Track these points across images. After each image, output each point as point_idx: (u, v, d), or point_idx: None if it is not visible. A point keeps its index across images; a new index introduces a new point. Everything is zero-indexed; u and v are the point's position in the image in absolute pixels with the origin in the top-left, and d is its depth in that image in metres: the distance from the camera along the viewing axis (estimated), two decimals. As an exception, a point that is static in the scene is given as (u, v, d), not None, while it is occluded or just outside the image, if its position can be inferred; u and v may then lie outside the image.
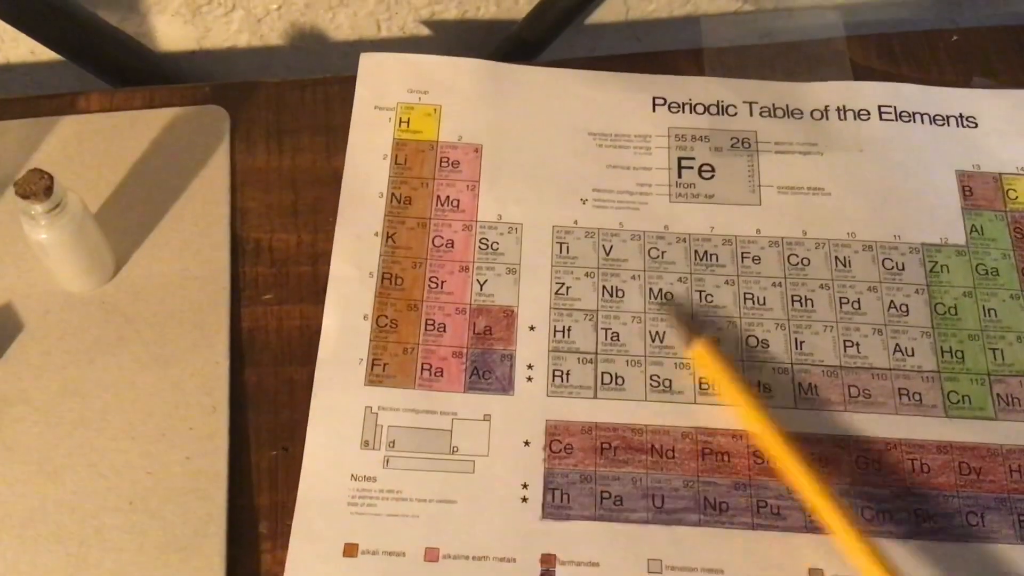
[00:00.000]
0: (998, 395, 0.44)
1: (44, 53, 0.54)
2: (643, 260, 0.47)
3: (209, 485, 0.41)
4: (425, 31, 0.56)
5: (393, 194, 0.48)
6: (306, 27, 0.55)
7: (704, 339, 0.43)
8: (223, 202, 0.47)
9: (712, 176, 0.49)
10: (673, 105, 0.50)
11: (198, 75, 0.57)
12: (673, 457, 0.42)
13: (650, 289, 0.46)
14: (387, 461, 0.42)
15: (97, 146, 0.48)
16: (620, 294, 0.46)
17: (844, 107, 0.50)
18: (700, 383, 0.44)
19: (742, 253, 0.47)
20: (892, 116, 0.50)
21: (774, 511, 0.41)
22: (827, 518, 0.40)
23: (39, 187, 0.39)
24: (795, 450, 0.41)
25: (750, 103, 0.50)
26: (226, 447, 0.42)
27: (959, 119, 0.50)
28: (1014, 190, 0.48)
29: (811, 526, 0.41)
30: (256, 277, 0.46)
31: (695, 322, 0.44)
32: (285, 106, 0.50)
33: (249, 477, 0.42)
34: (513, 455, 0.42)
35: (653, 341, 0.45)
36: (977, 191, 0.48)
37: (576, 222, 0.47)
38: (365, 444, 0.42)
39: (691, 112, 0.50)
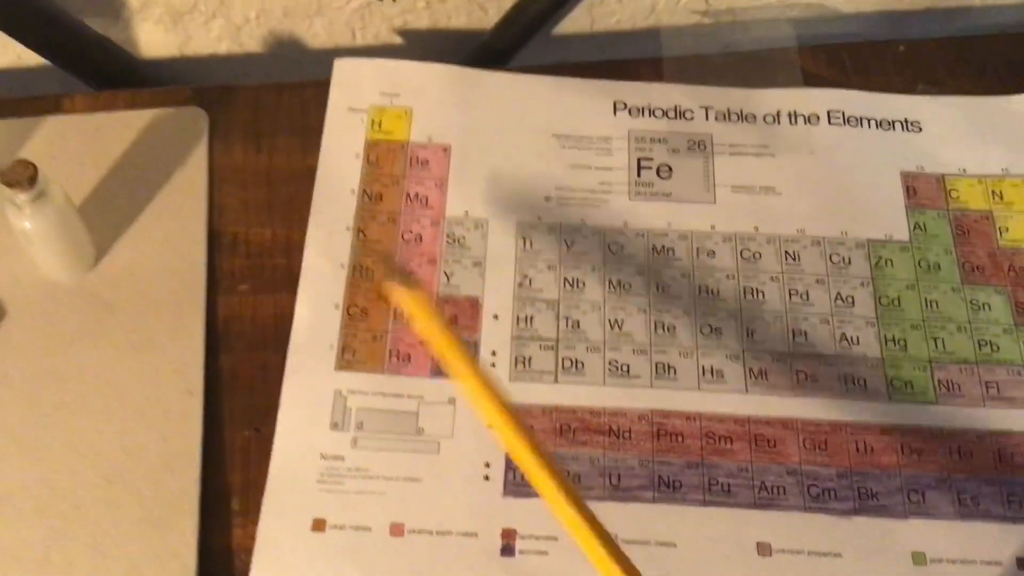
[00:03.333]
0: (939, 381, 0.46)
1: (31, 58, 0.56)
2: (603, 254, 0.49)
3: (183, 463, 0.43)
4: (398, 40, 0.58)
5: (365, 191, 0.50)
6: (284, 35, 0.57)
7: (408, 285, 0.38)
8: (201, 198, 0.49)
9: (670, 176, 0.51)
10: (633, 109, 0.53)
11: (180, 81, 0.59)
12: (630, 438, 0.44)
13: (609, 280, 0.48)
14: (355, 441, 0.44)
15: (81, 145, 0.50)
16: (581, 285, 0.48)
17: (795, 112, 0.53)
18: (656, 367, 0.46)
19: (697, 248, 0.49)
20: (841, 121, 0.52)
21: (724, 488, 0.43)
22: (537, 482, 0.36)
23: (24, 176, 0.41)
24: (507, 409, 0.36)
25: (706, 108, 0.53)
26: (200, 428, 0.44)
27: (904, 124, 0.53)
28: (956, 190, 0.51)
29: (760, 503, 0.43)
30: (232, 268, 0.48)
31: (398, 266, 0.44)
32: (262, 108, 0.52)
33: (222, 456, 0.44)
34: (476, 436, 0.44)
35: (612, 329, 0.47)
36: (921, 191, 0.51)
37: (540, 218, 0.50)
38: (334, 425, 0.44)
39: (650, 116, 0.53)
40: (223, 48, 0.57)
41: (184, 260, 0.48)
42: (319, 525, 0.42)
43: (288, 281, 0.48)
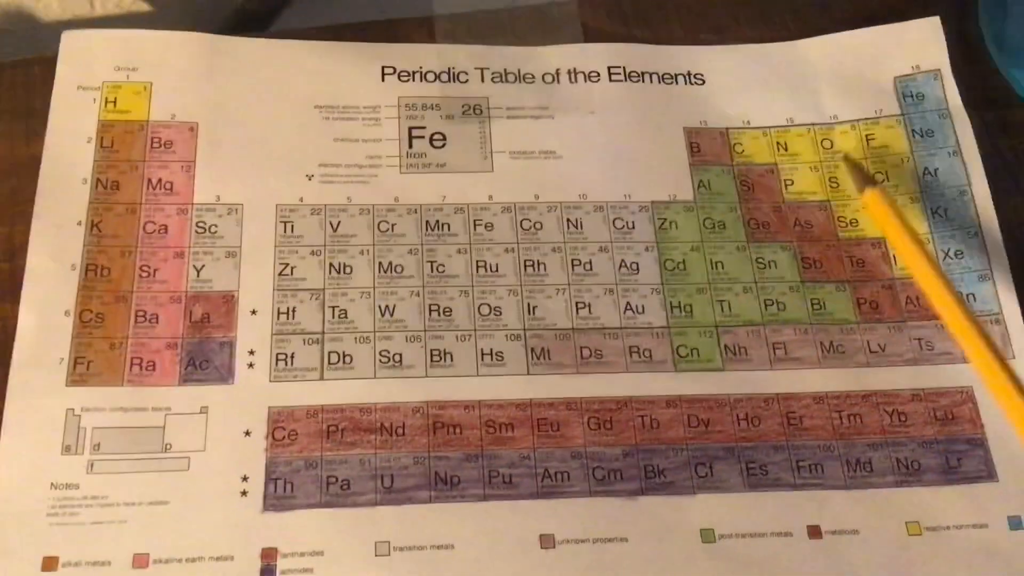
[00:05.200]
0: (725, 346, 0.44)
1: None
2: (372, 234, 0.45)
3: None
4: (144, 7, 0.52)
5: (98, 179, 0.44)
6: (11, 8, 0.51)
7: (878, 187, 0.44)
8: (-98, 198, 0.43)
9: (443, 145, 0.47)
10: (403, 74, 0.49)
11: None
12: (403, 434, 0.41)
13: (379, 263, 0.44)
14: (91, 465, 0.39)
15: None
16: (348, 270, 0.44)
17: (575, 70, 0.50)
18: (432, 355, 0.43)
19: (474, 221, 0.46)
20: (621, 77, 0.50)
21: (505, 480, 0.41)
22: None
23: None
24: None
25: (481, 69, 0.49)
26: (-96, 466, 0.38)
27: (687, 77, 0.50)
28: (740, 144, 0.49)
29: (543, 491, 0.40)
30: (-57, 277, 0.42)
31: (867, 171, 0.45)
32: (-22, 91, 0.46)
33: (-67, 496, 0.38)
34: (232, 447, 0.40)
35: (383, 315, 0.43)
36: (705, 147, 0.49)
37: (302, 199, 0.45)
38: (67, 449, 0.39)
39: (421, 80, 0.49)
40: (-63, 24, 0.51)
41: None
42: (50, 564, 0.37)
43: (11, 288, 0.42)
